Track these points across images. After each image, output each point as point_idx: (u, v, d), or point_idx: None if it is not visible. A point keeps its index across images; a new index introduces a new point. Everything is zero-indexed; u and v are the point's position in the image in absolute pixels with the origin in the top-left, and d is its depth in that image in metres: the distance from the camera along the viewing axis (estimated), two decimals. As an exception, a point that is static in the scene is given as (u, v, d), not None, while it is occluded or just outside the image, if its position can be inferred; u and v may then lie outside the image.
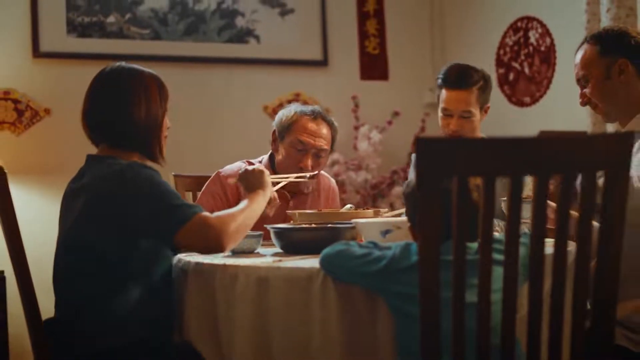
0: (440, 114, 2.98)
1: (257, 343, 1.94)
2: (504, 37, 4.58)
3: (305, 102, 4.64)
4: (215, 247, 2.04)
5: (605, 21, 3.75)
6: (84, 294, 2.13)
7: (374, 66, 4.87)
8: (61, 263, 2.20)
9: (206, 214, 2.08)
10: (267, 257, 2.17)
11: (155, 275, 2.18)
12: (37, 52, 4.12)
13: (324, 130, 2.80)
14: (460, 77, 2.91)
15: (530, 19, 4.42)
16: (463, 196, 1.47)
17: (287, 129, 2.79)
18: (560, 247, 1.53)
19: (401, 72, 4.93)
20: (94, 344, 2.10)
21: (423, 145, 1.41)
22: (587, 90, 2.35)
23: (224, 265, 2.03)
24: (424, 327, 1.50)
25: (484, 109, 3.00)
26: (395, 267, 1.75)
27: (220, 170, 2.87)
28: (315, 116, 2.80)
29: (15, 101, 4.08)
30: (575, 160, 1.50)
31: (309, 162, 2.77)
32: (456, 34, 4.95)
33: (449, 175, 1.44)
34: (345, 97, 4.73)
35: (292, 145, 2.77)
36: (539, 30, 4.36)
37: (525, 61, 4.44)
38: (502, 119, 4.50)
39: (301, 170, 2.75)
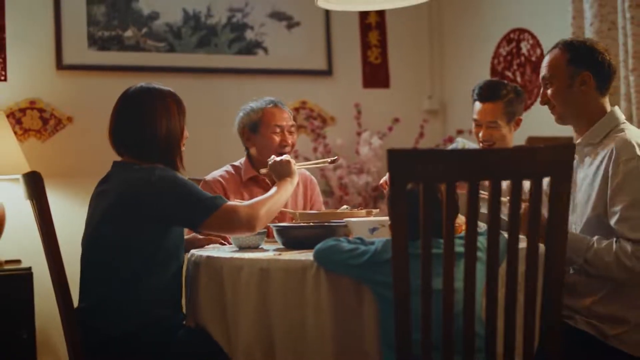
0: (473, 124, 3.28)
1: (259, 325, 2.19)
2: (498, 47, 4.83)
3: (311, 110, 4.91)
4: (247, 228, 2.39)
5: (589, 34, 3.98)
6: (106, 285, 2.40)
7: (375, 75, 5.11)
8: (87, 257, 2.47)
9: (232, 202, 2.42)
10: (269, 251, 2.42)
11: (169, 270, 2.45)
12: (60, 65, 4.35)
13: (286, 113, 3.20)
14: (488, 92, 3.22)
15: (522, 30, 4.67)
16: (429, 199, 1.75)
17: (259, 123, 3.15)
18: (512, 243, 1.81)
19: (401, 81, 5.15)
20: (114, 329, 2.37)
21: (393, 157, 1.69)
22: (549, 92, 2.53)
23: (231, 258, 2.30)
24: (397, 309, 1.77)
25: (514, 121, 3.26)
26: (377, 259, 2.02)
27: (205, 177, 3.22)
28: (275, 104, 3.20)
29: (41, 110, 4.32)
30: (524, 168, 1.77)
31: (289, 139, 3.15)
32: (453, 44, 5.19)
33: (415, 181, 1.73)
34: (349, 105, 4.95)
35: (271, 132, 3.13)
36: (530, 41, 4.61)
37: (518, 70, 4.69)
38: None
39: (284, 148, 3.13)
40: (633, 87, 3.78)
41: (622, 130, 2.45)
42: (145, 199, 2.35)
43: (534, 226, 1.80)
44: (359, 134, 4.88)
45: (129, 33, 4.53)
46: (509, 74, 4.74)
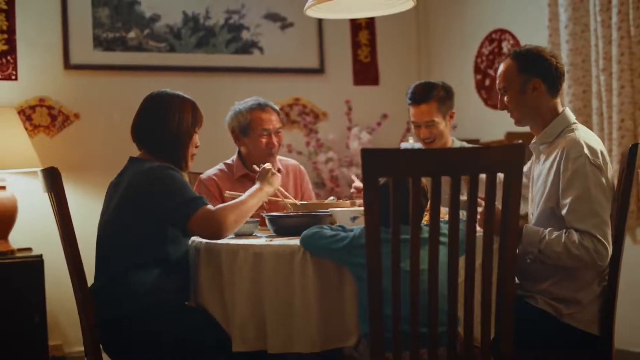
0: (412, 125, 3.55)
1: (253, 303, 2.45)
2: (480, 47, 5.09)
3: (304, 106, 5.17)
4: (215, 235, 2.59)
5: (564, 36, 4.24)
6: (119, 266, 2.66)
7: (365, 73, 5.36)
8: (101, 243, 2.75)
9: (210, 207, 2.62)
10: (262, 238, 2.68)
11: (176, 254, 2.71)
12: (68, 65, 4.61)
13: (274, 115, 3.39)
14: (420, 94, 3.48)
15: (503, 31, 4.93)
16: (399, 192, 2.02)
17: (248, 126, 3.36)
18: (470, 233, 2.09)
19: (390, 78, 5.40)
20: (124, 307, 2.63)
21: (366, 155, 1.96)
22: (505, 99, 2.76)
23: (228, 244, 2.56)
24: (370, 287, 2.05)
25: (448, 115, 3.54)
26: (355, 244, 2.29)
27: (201, 176, 3.45)
28: (263, 106, 3.38)
29: (49, 107, 4.57)
30: (480, 164, 2.05)
31: (275, 141, 3.36)
32: (439, 44, 5.45)
33: (385, 176, 2.00)
34: (340, 101, 5.20)
35: (258, 135, 3.34)
36: (511, 41, 4.87)
37: (499, 69, 4.96)
38: (478, 120, 5.03)
39: (271, 150, 3.35)
40: (603, 86, 4.04)
41: (573, 130, 2.67)
42: (147, 196, 2.62)
43: (489, 214, 2.08)
44: (349, 129, 5.13)
45: (132, 34, 4.78)
46: (491, 72, 5.01)
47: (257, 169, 2.98)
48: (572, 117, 2.72)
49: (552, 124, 2.70)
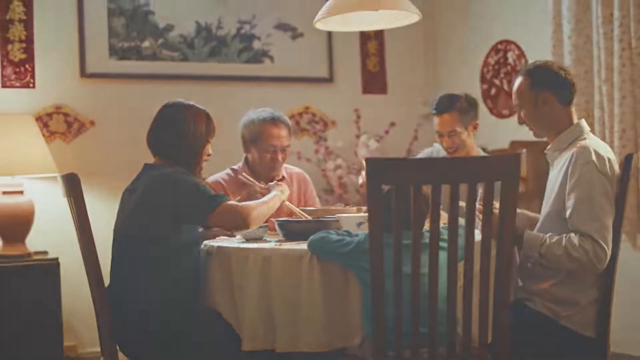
0: (436, 135, 3.67)
1: (262, 304, 2.55)
2: (486, 57, 5.19)
3: (313, 114, 5.27)
4: (242, 225, 2.73)
5: (567, 47, 4.33)
6: (134, 268, 2.77)
7: (374, 82, 5.47)
8: (117, 246, 2.86)
9: (232, 202, 2.76)
10: (271, 242, 2.79)
11: (190, 257, 2.82)
12: (84, 73, 4.72)
13: (284, 131, 3.48)
14: (443, 105, 3.61)
15: (508, 42, 5.03)
16: (401, 199, 2.13)
17: (257, 137, 3.46)
18: (469, 236, 2.19)
19: (398, 87, 5.50)
20: (138, 308, 2.73)
21: (370, 164, 2.08)
22: (522, 114, 2.87)
23: (239, 248, 2.67)
24: (373, 289, 2.16)
25: (471, 126, 3.66)
26: (360, 248, 2.39)
27: (207, 179, 3.54)
28: (275, 121, 3.46)
29: (66, 114, 4.69)
30: (478, 173, 2.15)
31: (280, 157, 3.47)
32: (446, 54, 5.54)
33: (389, 184, 2.11)
34: (349, 110, 5.29)
35: (264, 149, 3.45)
36: (516, 52, 4.97)
37: (505, 78, 5.05)
38: (484, 128, 5.07)
39: (274, 164, 3.46)
40: (605, 96, 4.14)
41: (585, 138, 2.79)
42: (164, 198, 2.73)
43: (487, 222, 2.18)
44: (357, 136, 5.21)
45: (146, 44, 4.89)
46: (497, 81, 5.10)
47: (264, 186, 3.14)
48: (586, 127, 2.82)
49: (566, 131, 2.80)
